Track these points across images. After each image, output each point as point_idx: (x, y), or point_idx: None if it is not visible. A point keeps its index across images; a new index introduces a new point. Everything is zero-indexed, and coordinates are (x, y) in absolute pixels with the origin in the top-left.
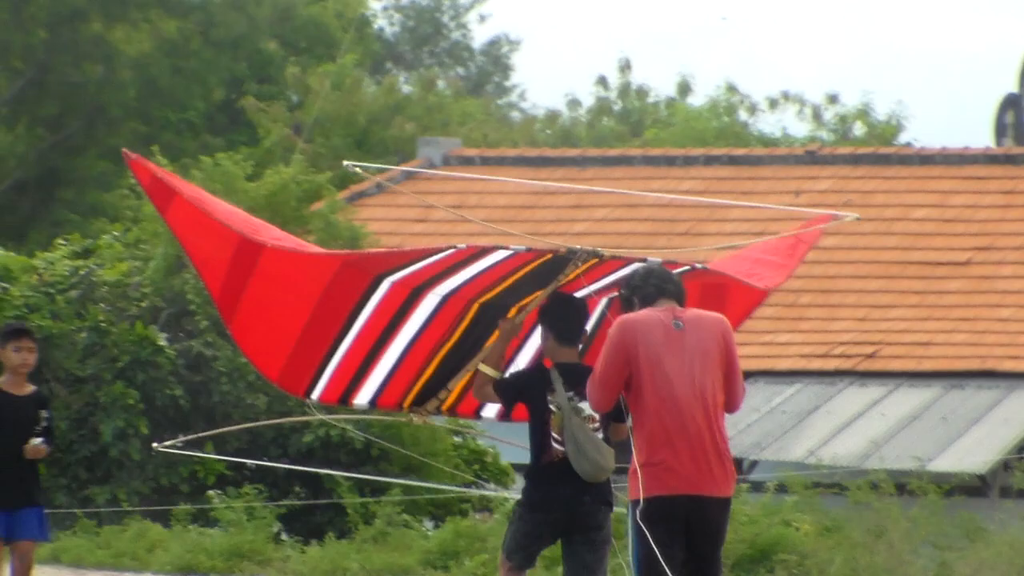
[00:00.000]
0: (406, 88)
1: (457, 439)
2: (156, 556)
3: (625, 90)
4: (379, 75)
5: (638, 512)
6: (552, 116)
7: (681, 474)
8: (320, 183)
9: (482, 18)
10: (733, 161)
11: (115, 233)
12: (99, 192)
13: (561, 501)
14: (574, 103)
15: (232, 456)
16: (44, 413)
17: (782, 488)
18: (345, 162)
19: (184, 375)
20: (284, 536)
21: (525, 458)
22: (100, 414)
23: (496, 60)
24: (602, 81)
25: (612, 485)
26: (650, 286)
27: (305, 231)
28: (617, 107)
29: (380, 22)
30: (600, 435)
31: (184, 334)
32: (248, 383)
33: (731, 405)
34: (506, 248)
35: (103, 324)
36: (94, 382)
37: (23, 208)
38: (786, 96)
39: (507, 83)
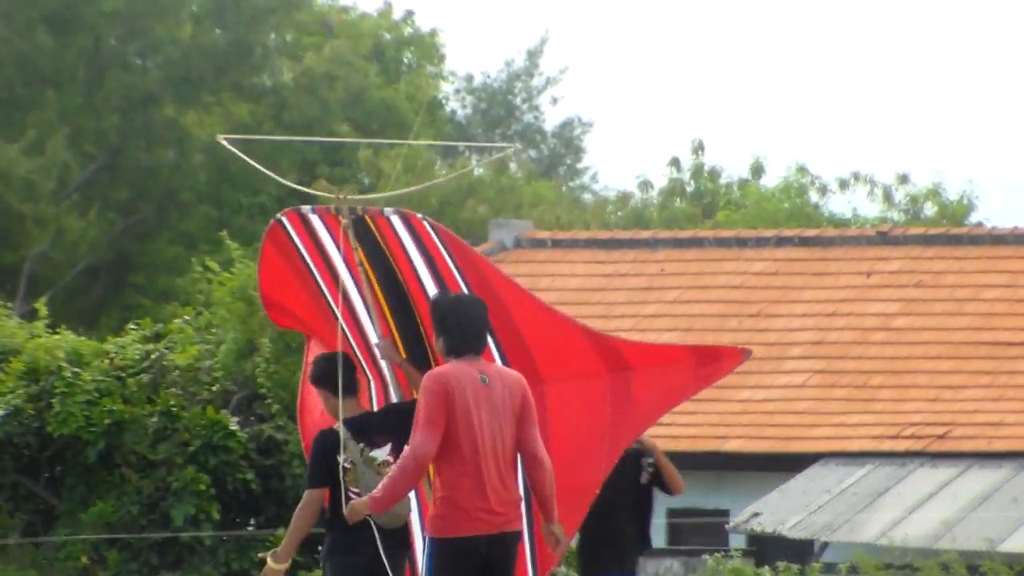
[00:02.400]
0: (478, 171)
1: None
2: None
3: (698, 171)
4: (451, 158)
5: (436, 550)
6: (624, 198)
7: (481, 517)
8: None
9: (554, 100)
10: (804, 242)
11: (186, 317)
12: (171, 276)
13: (367, 544)
14: (646, 184)
15: None
16: (648, 459)
17: (853, 569)
18: (220, 136)
19: (255, 459)
20: None
21: None
22: (171, 499)
23: (568, 142)
24: (675, 162)
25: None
26: (464, 336)
27: None
28: (690, 188)
29: (452, 104)
30: None
31: (255, 418)
32: None
33: (528, 451)
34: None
35: (174, 408)
36: (165, 466)
37: (95, 292)
38: (856, 177)
39: (579, 165)
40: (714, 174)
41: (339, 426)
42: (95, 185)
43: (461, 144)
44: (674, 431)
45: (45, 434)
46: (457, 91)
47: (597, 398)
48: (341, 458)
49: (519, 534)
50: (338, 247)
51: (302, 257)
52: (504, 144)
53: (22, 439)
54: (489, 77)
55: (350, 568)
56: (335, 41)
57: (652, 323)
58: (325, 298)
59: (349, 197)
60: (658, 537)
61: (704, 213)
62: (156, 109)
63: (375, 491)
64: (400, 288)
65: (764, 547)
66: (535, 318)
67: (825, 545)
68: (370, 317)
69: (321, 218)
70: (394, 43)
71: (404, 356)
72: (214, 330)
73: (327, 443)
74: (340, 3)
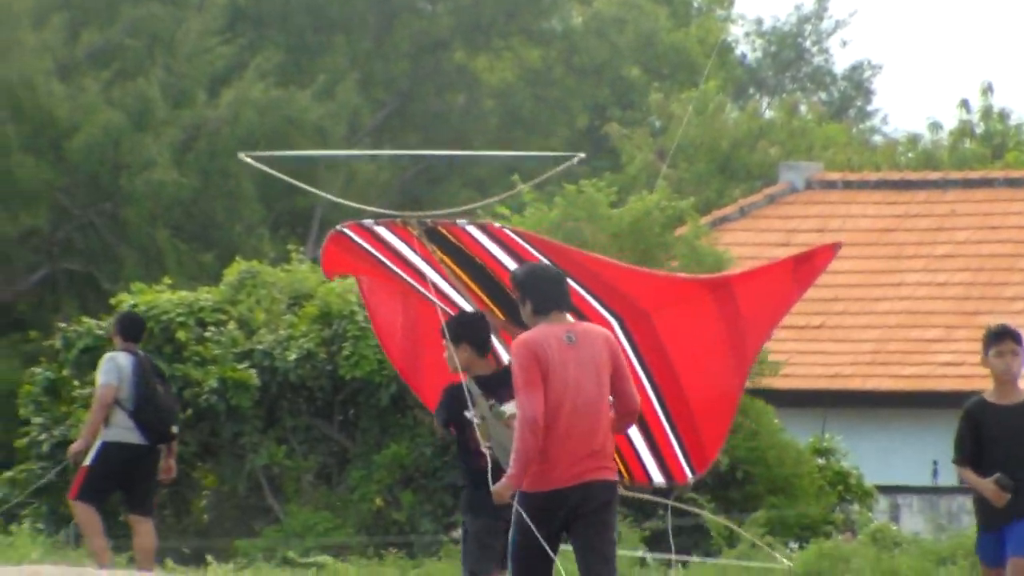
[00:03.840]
0: (768, 113)
1: (820, 460)
2: None
3: (987, 113)
4: (742, 101)
5: (525, 503)
6: (913, 139)
7: (568, 471)
8: (684, 209)
9: (844, 43)
10: None
11: None
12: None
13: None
14: (935, 126)
15: None
16: None
17: None
18: (241, 154)
19: None
20: (649, 559)
21: (890, 478)
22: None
23: (858, 85)
24: (964, 104)
25: None
26: (546, 296)
27: (669, 257)
28: (979, 130)
29: (742, 48)
30: None
31: None
32: None
33: (624, 407)
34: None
35: None
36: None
37: None
38: None
39: (869, 107)
40: (1003, 115)
41: (466, 383)
42: (386, 130)
43: (515, 154)
44: (964, 370)
45: (338, 377)
46: (747, 34)
47: (705, 316)
48: (470, 414)
49: (611, 484)
50: (412, 248)
51: (371, 254)
52: (569, 154)
53: (315, 382)
54: (779, 20)
55: (491, 522)
56: None
57: (942, 263)
58: (403, 278)
59: (415, 215)
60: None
61: (994, 154)
62: (446, 54)
63: (509, 469)
64: (490, 276)
65: None
66: (630, 274)
67: None
68: (461, 295)
69: (388, 228)
70: None
71: (504, 317)
72: None
73: (454, 395)
74: None
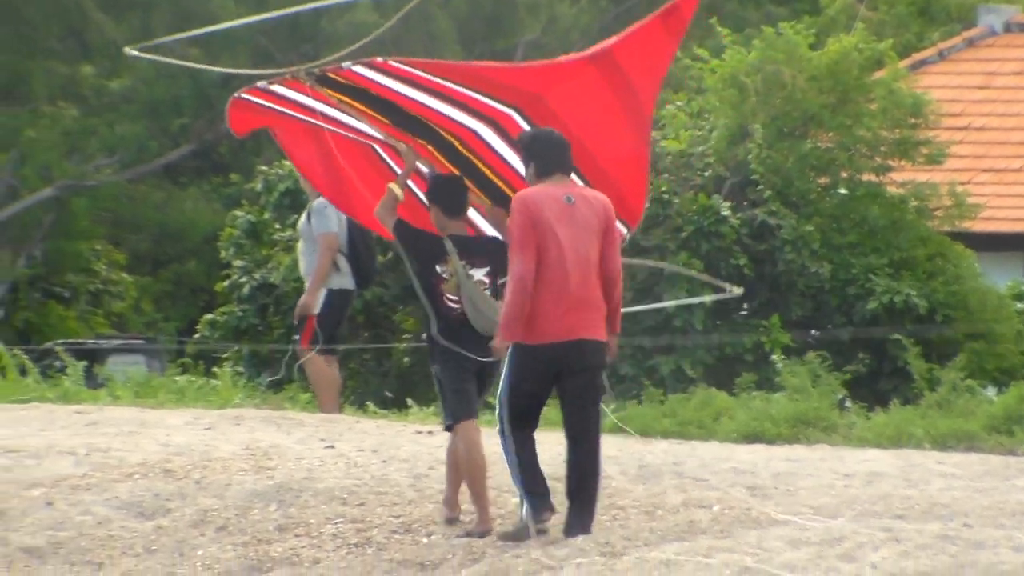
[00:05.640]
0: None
1: (1019, 305)
2: (722, 424)
3: None
4: None
5: (518, 354)
6: None
7: (562, 324)
8: (882, 51)
9: None
10: None
11: (678, 103)
12: None
13: (472, 347)
14: None
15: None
16: None
17: None
18: (127, 49)
19: (748, 244)
20: (848, 403)
21: None
22: (664, 284)
23: None
24: None
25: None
26: (549, 159)
27: (867, 99)
28: None
29: None
30: (488, 294)
31: (748, 203)
32: (812, 251)
33: (606, 271)
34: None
35: (665, 195)
36: (658, 252)
37: None
38: None
39: None
40: None
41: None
42: None
43: None
44: None
45: None
46: None
47: (595, 87)
48: (440, 268)
49: (600, 345)
50: (310, 97)
51: (274, 110)
52: None
53: None
54: None
55: (463, 368)
56: None
57: None
58: (308, 122)
59: (302, 68)
60: None
61: None
62: None
63: (501, 324)
64: (401, 110)
65: None
66: (515, 69)
67: None
68: (369, 127)
69: (283, 85)
70: None
71: (411, 141)
72: (706, 115)
73: (430, 246)
74: None
